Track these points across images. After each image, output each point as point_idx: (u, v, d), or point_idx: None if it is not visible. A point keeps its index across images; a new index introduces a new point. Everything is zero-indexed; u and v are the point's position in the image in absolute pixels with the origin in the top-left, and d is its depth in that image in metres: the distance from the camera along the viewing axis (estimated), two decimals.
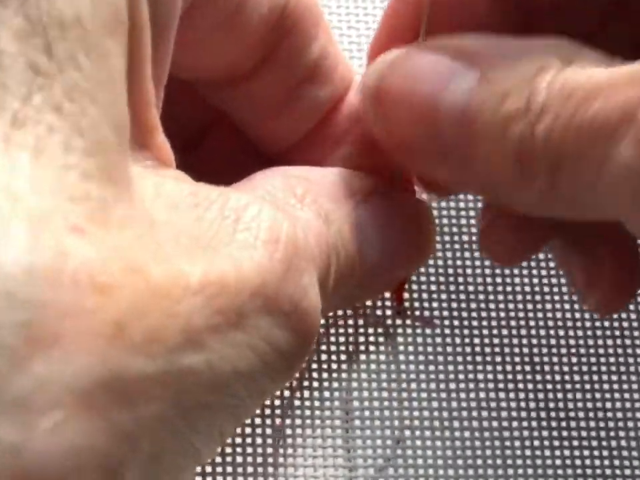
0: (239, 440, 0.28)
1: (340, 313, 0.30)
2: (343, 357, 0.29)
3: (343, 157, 0.27)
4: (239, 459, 0.28)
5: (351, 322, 0.30)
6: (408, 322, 0.30)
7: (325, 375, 0.29)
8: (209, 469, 0.28)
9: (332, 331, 0.30)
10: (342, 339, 0.30)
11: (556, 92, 0.21)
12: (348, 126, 0.27)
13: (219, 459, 0.28)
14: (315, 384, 0.29)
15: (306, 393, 0.29)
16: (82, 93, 0.18)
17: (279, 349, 0.20)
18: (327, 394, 0.29)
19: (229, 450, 0.28)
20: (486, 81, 0.22)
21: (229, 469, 0.28)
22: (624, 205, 0.20)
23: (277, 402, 0.29)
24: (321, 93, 0.27)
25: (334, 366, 0.29)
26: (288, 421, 0.28)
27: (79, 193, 0.17)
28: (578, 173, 0.21)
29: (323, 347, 0.29)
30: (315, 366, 0.29)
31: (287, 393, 0.29)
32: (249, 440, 0.28)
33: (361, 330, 0.30)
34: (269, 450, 0.28)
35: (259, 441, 0.28)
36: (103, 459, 0.17)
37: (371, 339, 0.30)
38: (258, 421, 0.28)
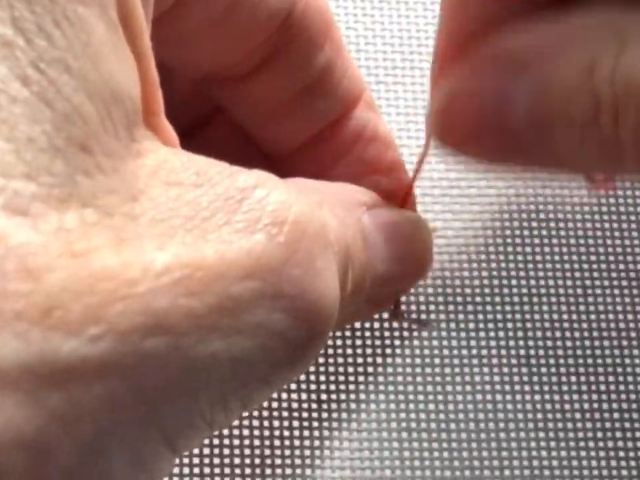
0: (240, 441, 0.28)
1: None
2: (340, 360, 0.29)
3: (343, 174, 0.27)
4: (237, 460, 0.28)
5: (347, 325, 0.30)
6: (404, 325, 0.30)
7: (322, 378, 0.29)
8: (207, 470, 0.28)
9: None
10: (339, 342, 0.30)
11: (621, 90, 0.20)
12: (351, 142, 0.27)
13: (217, 460, 0.28)
14: (312, 387, 0.29)
15: (303, 395, 0.29)
16: (51, 63, 0.17)
17: (280, 335, 0.19)
18: (323, 396, 0.29)
19: (226, 451, 0.28)
20: (543, 89, 0.21)
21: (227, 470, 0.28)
22: None
23: (275, 404, 0.29)
24: (323, 105, 0.27)
25: (331, 369, 0.29)
26: (285, 423, 0.29)
27: (36, 169, 0.17)
28: None
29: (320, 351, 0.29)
30: (312, 369, 0.29)
31: (284, 395, 0.29)
32: (246, 442, 0.28)
33: (357, 333, 0.30)
34: (267, 452, 0.28)
35: (256, 442, 0.28)
36: (30, 439, 0.16)
37: (368, 342, 0.30)
38: (255, 423, 0.28)
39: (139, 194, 0.18)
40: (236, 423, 0.28)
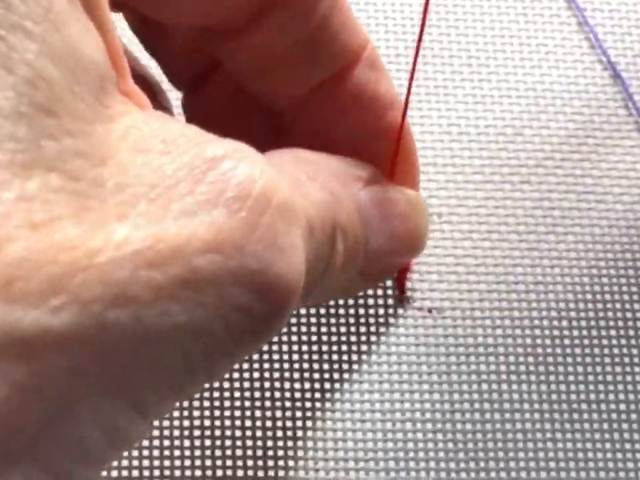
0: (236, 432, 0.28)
1: (341, 302, 0.30)
2: (344, 348, 0.29)
3: (345, 135, 0.27)
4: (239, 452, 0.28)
5: (352, 311, 0.29)
6: (410, 311, 0.30)
7: (325, 366, 0.29)
8: (208, 462, 0.27)
9: (332, 320, 0.29)
10: (343, 329, 0.29)
11: None
12: (350, 102, 0.27)
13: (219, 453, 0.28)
14: (316, 375, 0.29)
15: (306, 385, 0.29)
16: (10, 29, 0.17)
17: (242, 309, 0.19)
18: (327, 385, 0.29)
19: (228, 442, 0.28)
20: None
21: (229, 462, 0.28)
22: None
23: (277, 394, 0.28)
24: (321, 57, 0.26)
25: (334, 357, 0.29)
26: (288, 414, 0.28)
27: None
28: None
29: (324, 338, 0.29)
30: (315, 357, 0.29)
31: (287, 385, 0.28)
32: (248, 432, 0.28)
33: (362, 320, 0.29)
34: (269, 443, 0.28)
35: (258, 433, 0.28)
36: None
37: (372, 328, 0.29)
38: (258, 413, 0.28)
39: (107, 158, 0.18)
40: (237, 413, 0.28)
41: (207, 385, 0.28)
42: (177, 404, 0.27)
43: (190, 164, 0.19)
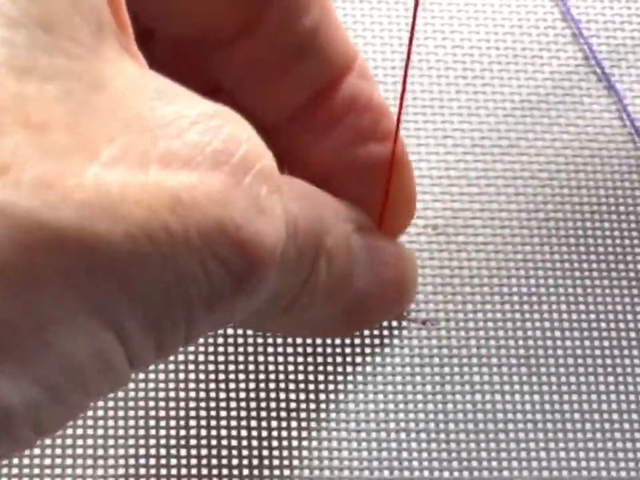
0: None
1: None
2: (339, 359, 0.29)
3: (337, 144, 0.27)
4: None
5: None
6: (403, 323, 0.30)
7: (320, 377, 0.29)
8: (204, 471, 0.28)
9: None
10: (337, 341, 0.29)
11: None
12: (343, 110, 0.27)
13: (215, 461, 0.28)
14: (311, 386, 0.29)
15: (302, 395, 0.29)
16: None
17: (222, 262, 0.19)
18: (322, 396, 0.29)
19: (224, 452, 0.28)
20: None
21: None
22: None
23: (273, 404, 0.29)
24: (312, 70, 0.26)
25: (329, 368, 0.29)
26: (284, 424, 0.28)
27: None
28: None
29: (319, 349, 0.29)
30: (310, 368, 0.29)
31: (282, 395, 0.29)
32: (244, 442, 0.28)
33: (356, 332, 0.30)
34: (265, 452, 0.28)
35: (254, 443, 0.28)
36: None
37: (367, 340, 0.30)
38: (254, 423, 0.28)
39: (101, 87, 0.18)
40: (233, 423, 0.28)
41: (202, 395, 0.28)
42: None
43: (180, 112, 0.19)
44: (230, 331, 0.29)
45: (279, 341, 0.29)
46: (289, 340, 0.29)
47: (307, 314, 0.25)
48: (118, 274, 0.18)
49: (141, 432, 0.28)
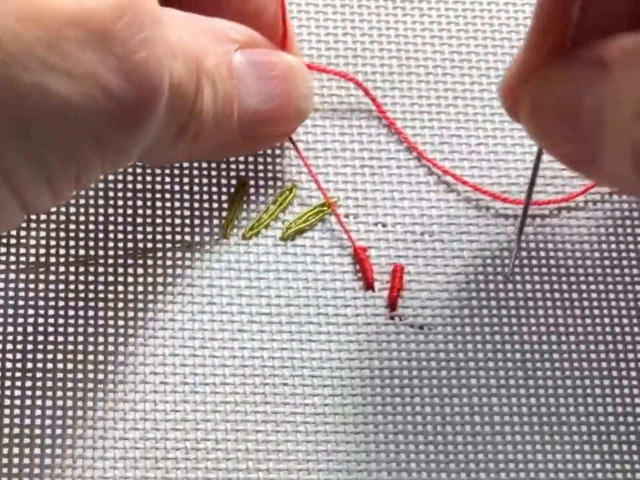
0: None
1: (333, 318, 0.30)
2: (336, 364, 0.30)
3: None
4: None
5: (343, 330, 0.30)
6: (402, 327, 0.30)
7: (317, 381, 0.29)
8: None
9: (323, 338, 0.30)
10: (334, 347, 0.30)
11: None
12: None
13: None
14: (308, 390, 0.29)
15: (298, 399, 0.29)
16: None
17: (110, 92, 0.20)
18: (319, 400, 0.29)
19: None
20: (613, 90, 0.23)
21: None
22: None
23: (269, 408, 0.29)
24: None
25: (326, 373, 0.29)
26: (281, 427, 0.29)
27: None
28: None
29: (315, 354, 0.30)
30: (307, 373, 0.29)
31: (279, 400, 0.29)
32: (242, 446, 0.28)
33: (353, 338, 0.30)
34: (261, 456, 0.28)
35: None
36: None
37: (364, 346, 0.30)
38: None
39: None
40: (232, 427, 0.28)
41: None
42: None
43: None
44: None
45: (276, 345, 0.29)
46: (286, 345, 0.29)
47: (203, 141, 0.26)
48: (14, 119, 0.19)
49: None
